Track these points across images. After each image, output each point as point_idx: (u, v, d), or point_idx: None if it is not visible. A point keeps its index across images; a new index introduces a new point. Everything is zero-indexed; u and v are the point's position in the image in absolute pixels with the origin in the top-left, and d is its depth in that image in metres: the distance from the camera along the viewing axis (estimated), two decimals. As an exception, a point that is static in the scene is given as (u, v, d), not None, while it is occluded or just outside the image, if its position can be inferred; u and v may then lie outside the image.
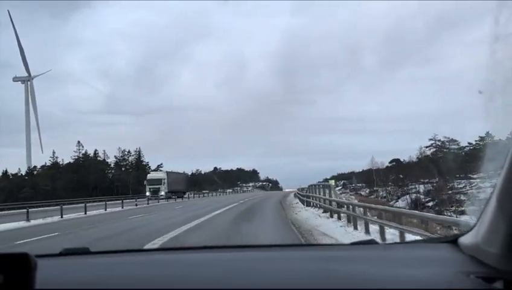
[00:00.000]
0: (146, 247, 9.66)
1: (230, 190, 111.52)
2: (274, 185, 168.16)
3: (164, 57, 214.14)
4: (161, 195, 56.06)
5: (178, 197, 55.70)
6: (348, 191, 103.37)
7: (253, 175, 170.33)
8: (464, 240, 1.41)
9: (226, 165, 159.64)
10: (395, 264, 1.44)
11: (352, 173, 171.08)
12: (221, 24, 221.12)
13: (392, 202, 57.19)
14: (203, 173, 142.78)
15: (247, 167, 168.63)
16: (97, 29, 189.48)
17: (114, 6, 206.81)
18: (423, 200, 59.23)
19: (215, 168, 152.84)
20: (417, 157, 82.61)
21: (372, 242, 1.91)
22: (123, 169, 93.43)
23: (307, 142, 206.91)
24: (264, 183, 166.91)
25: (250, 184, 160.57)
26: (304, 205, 29.58)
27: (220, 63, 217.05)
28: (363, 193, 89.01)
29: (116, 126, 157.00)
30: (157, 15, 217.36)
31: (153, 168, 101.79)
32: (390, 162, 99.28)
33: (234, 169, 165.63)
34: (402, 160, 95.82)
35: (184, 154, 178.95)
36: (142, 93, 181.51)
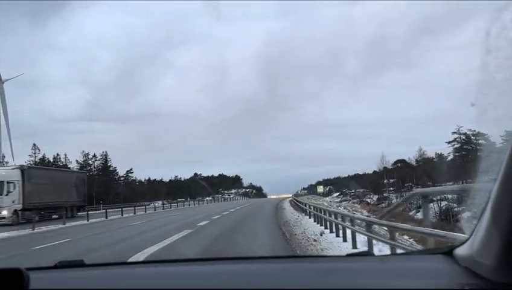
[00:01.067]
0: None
1: (210, 198, 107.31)
2: (258, 191, 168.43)
3: (145, 62, 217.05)
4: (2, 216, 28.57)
5: (71, 216, 33.99)
6: (349, 198, 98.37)
7: (236, 181, 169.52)
8: (459, 251, 1.46)
9: (209, 172, 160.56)
10: (391, 276, 1.49)
11: (339, 178, 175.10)
12: (203, 29, 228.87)
13: (411, 212, 45.84)
14: (182, 179, 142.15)
15: (231, 173, 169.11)
16: (76, 33, 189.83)
17: (93, 10, 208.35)
18: (456, 209, 48.15)
19: (195, 175, 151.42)
20: (417, 159, 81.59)
21: (368, 254, 1.98)
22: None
23: (291, 148, 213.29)
24: (248, 190, 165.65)
25: (233, 191, 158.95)
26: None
27: (202, 68, 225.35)
28: (369, 201, 79.74)
29: (95, 134, 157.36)
30: (137, 19, 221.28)
31: (122, 173, 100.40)
32: (394, 164, 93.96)
33: (216, 175, 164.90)
34: (408, 160, 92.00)
35: (165, 162, 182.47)
36: (122, 100, 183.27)
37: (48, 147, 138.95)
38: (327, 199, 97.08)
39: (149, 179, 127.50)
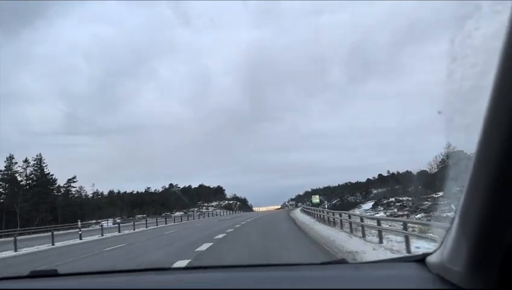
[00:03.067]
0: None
1: (181, 213, 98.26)
2: (243, 203, 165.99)
3: (125, 74, 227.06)
4: None
5: None
6: (380, 208, 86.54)
7: (217, 193, 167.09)
8: (431, 259, 1.59)
9: (190, 184, 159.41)
10: (365, 284, 1.62)
11: (328, 187, 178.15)
12: (184, 39, 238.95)
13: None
14: (153, 191, 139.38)
15: (214, 184, 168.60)
16: (52, 44, 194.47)
17: (71, 20, 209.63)
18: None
19: (171, 185, 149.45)
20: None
21: (342, 261, 2.13)
22: (7, 187, 71.56)
23: (276, 160, 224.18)
24: (231, 202, 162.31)
25: (214, 203, 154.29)
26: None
27: (184, 79, 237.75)
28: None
29: (74, 147, 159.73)
30: (117, 30, 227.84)
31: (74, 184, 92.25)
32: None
33: (195, 186, 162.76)
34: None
35: (145, 174, 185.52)
36: (101, 112, 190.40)
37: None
38: (357, 211, 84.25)
39: (111, 191, 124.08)
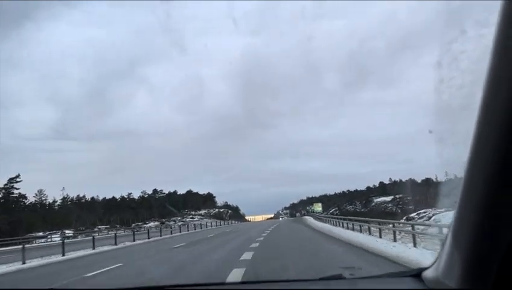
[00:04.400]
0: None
1: (157, 223, 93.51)
2: (235, 212, 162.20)
3: (116, 78, 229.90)
4: None
5: None
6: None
7: (207, 200, 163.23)
8: (427, 273, 1.72)
9: (179, 191, 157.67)
10: None
11: (325, 195, 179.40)
12: (177, 45, 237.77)
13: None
14: (132, 197, 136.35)
15: (205, 191, 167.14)
16: (42, 47, 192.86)
17: (60, 22, 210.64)
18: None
19: (155, 191, 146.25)
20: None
21: (340, 277, 2.30)
22: None
23: (270, 167, 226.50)
24: (222, 210, 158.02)
25: (202, 211, 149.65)
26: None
27: (177, 85, 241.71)
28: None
29: (63, 153, 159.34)
30: (108, 33, 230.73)
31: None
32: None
33: (181, 193, 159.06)
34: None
35: (137, 181, 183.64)
36: (92, 118, 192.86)
37: (15, 166, 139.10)
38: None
39: (81, 197, 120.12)
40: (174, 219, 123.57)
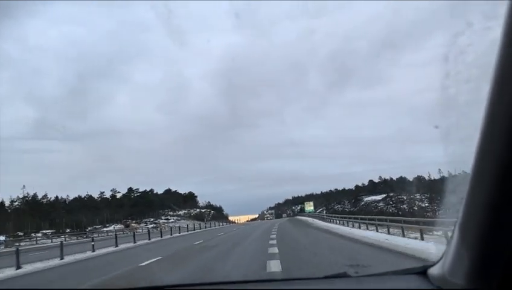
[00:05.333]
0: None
1: (121, 226, 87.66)
2: (218, 212, 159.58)
3: (97, 77, 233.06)
4: None
5: None
6: None
7: (189, 199, 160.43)
8: (433, 271, 1.79)
9: (157, 190, 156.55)
10: None
11: (311, 195, 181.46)
12: (159, 43, 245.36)
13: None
14: (108, 197, 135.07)
15: (186, 190, 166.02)
16: (20, 44, 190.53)
17: (41, 20, 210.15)
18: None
19: (130, 189, 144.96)
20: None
21: (344, 275, 2.41)
22: None
23: (255, 168, 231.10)
24: (204, 210, 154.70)
25: (182, 212, 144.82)
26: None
27: (158, 84, 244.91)
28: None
29: (42, 153, 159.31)
30: (89, 31, 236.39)
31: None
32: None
33: (159, 192, 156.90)
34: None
35: (117, 181, 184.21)
36: (72, 117, 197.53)
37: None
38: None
39: (43, 197, 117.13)
40: (146, 220, 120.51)
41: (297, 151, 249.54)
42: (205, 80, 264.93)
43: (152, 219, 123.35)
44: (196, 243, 27.96)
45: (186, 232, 53.00)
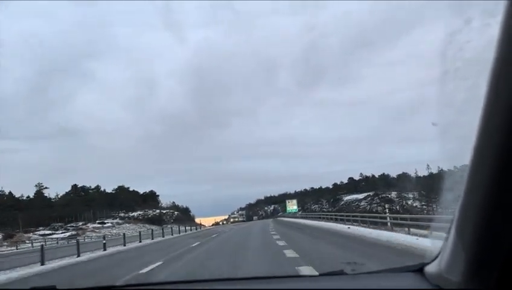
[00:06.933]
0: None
1: None
2: (183, 214, 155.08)
3: (59, 74, 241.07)
4: None
5: None
6: None
7: (148, 199, 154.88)
8: (429, 269, 1.94)
9: (107, 189, 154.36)
10: None
11: (284, 195, 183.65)
12: (126, 39, 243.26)
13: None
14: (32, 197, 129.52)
15: (147, 190, 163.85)
16: None
17: None
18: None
19: (75, 186, 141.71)
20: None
21: (341, 273, 2.56)
22: None
23: (224, 168, 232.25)
24: (166, 211, 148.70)
25: (136, 213, 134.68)
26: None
27: (124, 82, 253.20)
28: None
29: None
30: (50, 26, 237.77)
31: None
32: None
33: (106, 190, 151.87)
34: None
35: (78, 181, 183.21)
36: (33, 116, 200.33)
37: None
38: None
39: None
40: (72, 225, 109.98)
41: (269, 151, 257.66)
42: (174, 78, 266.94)
43: (82, 223, 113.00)
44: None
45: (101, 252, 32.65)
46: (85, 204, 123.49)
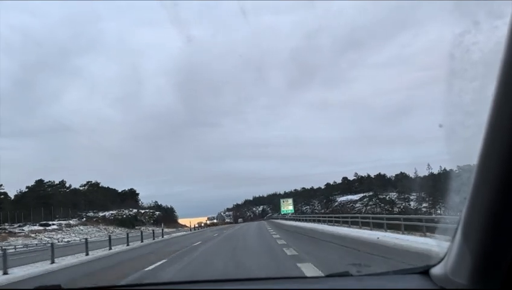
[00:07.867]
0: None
1: None
2: (167, 214, 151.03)
3: (46, 70, 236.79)
4: None
5: None
6: None
7: (127, 198, 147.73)
8: (435, 270, 2.03)
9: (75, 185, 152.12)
10: None
11: (274, 195, 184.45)
12: (113, 36, 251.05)
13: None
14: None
15: (127, 188, 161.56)
16: None
17: None
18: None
19: (41, 181, 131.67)
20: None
21: (346, 274, 2.67)
22: None
23: (212, 168, 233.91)
24: (146, 211, 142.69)
25: (108, 213, 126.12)
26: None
27: (113, 79, 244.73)
28: None
29: None
30: (38, 20, 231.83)
31: None
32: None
33: (76, 187, 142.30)
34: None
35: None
36: (17, 113, 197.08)
37: None
38: None
39: None
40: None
41: (259, 151, 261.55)
42: (161, 77, 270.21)
43: (7, 224, 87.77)
44: None
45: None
46: (42, 201, 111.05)
